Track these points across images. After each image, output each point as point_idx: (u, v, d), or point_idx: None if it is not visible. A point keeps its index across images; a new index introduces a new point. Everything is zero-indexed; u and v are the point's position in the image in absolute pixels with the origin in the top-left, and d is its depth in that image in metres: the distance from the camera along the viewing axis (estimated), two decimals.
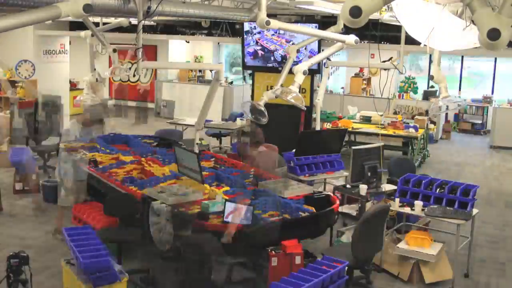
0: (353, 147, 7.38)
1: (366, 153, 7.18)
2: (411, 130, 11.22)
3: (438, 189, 6.32)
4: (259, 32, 11.12)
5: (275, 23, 5.89)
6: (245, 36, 11.35)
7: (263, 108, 7.00)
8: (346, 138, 11.66)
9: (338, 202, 6.42)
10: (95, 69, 8.94)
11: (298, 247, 5.50)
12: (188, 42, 17.67)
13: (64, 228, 5.86)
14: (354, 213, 7.64)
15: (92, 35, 8.68)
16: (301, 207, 6.08)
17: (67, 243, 5.40)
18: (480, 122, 16.12)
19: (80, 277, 5.00)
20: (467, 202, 6.08)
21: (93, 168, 7.31)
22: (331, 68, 9.69)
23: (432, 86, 16.23)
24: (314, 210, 6.05)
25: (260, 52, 11.33)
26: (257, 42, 11.28)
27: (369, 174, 6.76)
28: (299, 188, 6.64)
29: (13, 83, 13.26)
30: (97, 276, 4.88)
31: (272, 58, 11.27)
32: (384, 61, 9.23)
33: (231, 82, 17.80)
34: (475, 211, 6.25)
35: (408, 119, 12.61)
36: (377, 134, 11.25)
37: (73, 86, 16.19)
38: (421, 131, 11.42)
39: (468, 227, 6.44)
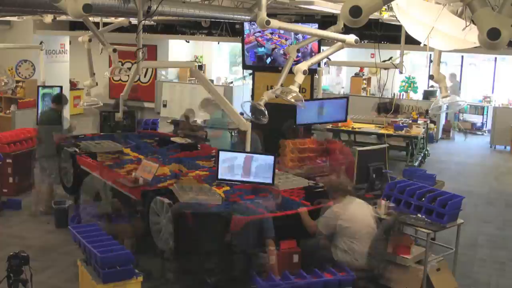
0: (358, 149, 7.28)
1: (371, 154, 7.14)
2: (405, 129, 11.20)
3: (419, 198, 6.07)
4: (259, 31, 11.11)
5: (275, 23, 5.88)
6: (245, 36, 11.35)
7: (263, 108, 6.99)
8: (346, 138, 11.67)
9: None
10: (94, 74, 8.92)
11: (296, 246, 5.52)
12: (188, 42, 17.67)
13: (71, 226, 5.85)
14: None
15: (90, 40, 8.66)
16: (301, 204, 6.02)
17: (78, 241, 5.41)
18: (480, 121, 16.06)
19: (95, 277, 5.01)
20: (443, 213, 5.78)
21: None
22: (325, 65, 9.64)
23: (432, 86, 16.22)
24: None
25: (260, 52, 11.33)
26: (257, 43, 11.27)
27: (374, 175, 6.74)
28: (294, 181, 6.59)
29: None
30: (113, 271, 4.89)
31: (271, 58, 11.27)
32: (384, 61, 9.21)
33: (231, 82, 17.81)
34: (459, 220, 6.02)
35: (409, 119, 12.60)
36: (376, 134, 11.26)
37: (73, 86, 16.21)
38: (418, 132, 11.38)
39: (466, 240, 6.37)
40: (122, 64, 17.81)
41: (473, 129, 16.03)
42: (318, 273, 4.91)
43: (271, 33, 10.96)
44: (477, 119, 16.13)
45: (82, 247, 5.32)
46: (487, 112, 15.85)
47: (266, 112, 6.99)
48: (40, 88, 9.70)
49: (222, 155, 6.37)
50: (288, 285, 4.71)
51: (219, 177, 6.37)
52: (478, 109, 16.03)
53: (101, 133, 8.95)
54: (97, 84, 8.94)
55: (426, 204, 5.88)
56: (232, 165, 6.35)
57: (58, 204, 7.79)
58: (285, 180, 6.50)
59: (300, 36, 10.32)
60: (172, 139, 8.92)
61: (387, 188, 6.31)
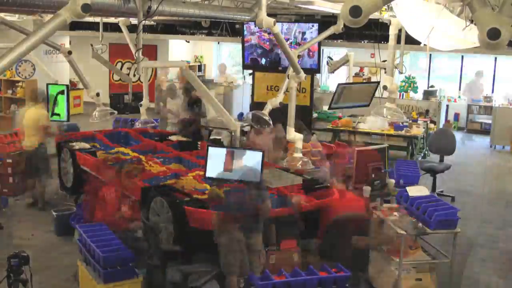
0: (357, 149, 7.24)
1: (370, 154, 7.12)
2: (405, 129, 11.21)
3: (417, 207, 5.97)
4: (258, 31, 11.12)
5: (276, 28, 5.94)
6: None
7: (267, 118, 7.00)
8: (346, 138, 11.67)
9: (336, 194, 6.09)
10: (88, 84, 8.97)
11: (296, 245, 5.53)
12: (188, 42, 17.67)
13: (78, 225, 5.83)
14: None
15: (70, 52, 8.69)
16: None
17: (81, 240, 5.41)
18: (490, 122, 15.08)
19: (95, 276, 5.01)
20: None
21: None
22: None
23: (432, 86, 16.22)
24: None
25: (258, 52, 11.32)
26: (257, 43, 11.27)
27: (373, 175, 6.73)
28: (288, 178, 6.52)
29: (13, 83, 13.28)
30: (114, 271, 4.89)
31: (269, 58, 11.25)
32: (384, 61, 9.20)
33: (231, 82, 17.79)
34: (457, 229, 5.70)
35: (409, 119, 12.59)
36: (377, 134, 11.26)
37: (73, 86, 16.21)
38: (418, 132, 11.38)
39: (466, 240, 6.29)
40: (122, 64, 17.88)
41: (482, 130, 15.80)
42: (313, 271, 4.92)
43: (269, 33, 10.97)
44: (486, 119, 15.70)
45: (84, 246, 5.32)
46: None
47: (271, 121, 6.99)
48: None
49: (212, 151, 6.10)
50: (284, 283, 4.72)
51: (207, 175, 6.02)
52: (488, 110, 15.79)
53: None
54: (98, 95, 8.89)
55: (417, 212, 5.80)
56: (221, 162, 6.04)
57: (58, 211, 7.61)
58: (279, 178, 6.42)
59: (299, 35, 10.32)
60: (169, 137, 8.91)
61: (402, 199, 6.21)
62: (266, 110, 7.12)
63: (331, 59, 9.29)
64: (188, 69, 7.31)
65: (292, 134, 6.76)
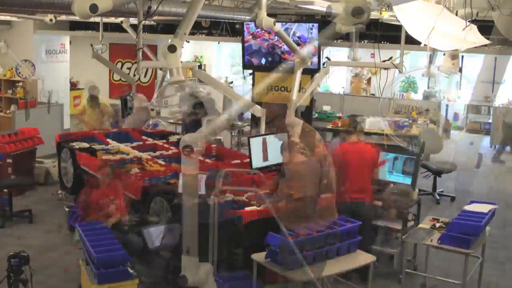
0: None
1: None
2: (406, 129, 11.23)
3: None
4: (257, 31, 11.11)
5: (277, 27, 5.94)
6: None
7: None
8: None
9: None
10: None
11: None
12: (188, 42, 17.66)
13: (77, 225, 5.82)
14: None
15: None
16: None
17: (80, 240, 5.41)
18: (489, 121, 15.16)
19: (91, 277, 4.99)
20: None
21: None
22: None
23: (432, 86, 16.21)
24: None
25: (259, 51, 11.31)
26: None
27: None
28: None
29: (13, 83, 13.26)
30: (108, 272, 4.87)
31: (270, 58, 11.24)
32: (384, 61, 9.20)
33: (231, 82, 17.81)
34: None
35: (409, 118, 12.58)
36: (377, 134, 11.25)
37: (73, 86, 16.21)
38: (418, 132, 11.38)
39: None
40: (122, 64, 17.91)
41: (482, 130, 15.75)
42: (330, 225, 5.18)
43: (269, 33, 10.96)
44: (485, 119, 15.67)
45: (85, 246, 5.31)
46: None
47: None
48: None
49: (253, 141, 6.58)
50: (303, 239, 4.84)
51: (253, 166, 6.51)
52: (486, 109, 15.72)
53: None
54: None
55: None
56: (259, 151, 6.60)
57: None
58: None
59: (298, 36, 10.31)
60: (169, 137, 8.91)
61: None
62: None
63: (329, 59, 9.30)
64: (200, 70, 7.34)
65: (292, 118, 6.85)
